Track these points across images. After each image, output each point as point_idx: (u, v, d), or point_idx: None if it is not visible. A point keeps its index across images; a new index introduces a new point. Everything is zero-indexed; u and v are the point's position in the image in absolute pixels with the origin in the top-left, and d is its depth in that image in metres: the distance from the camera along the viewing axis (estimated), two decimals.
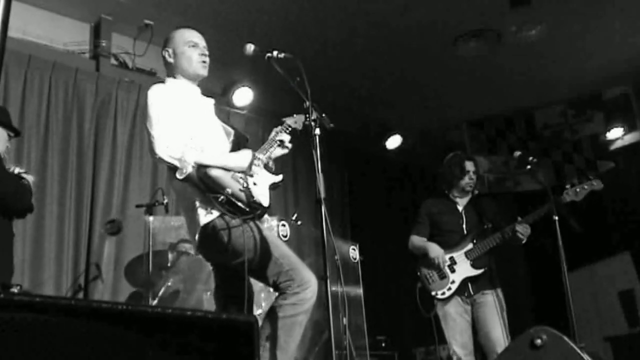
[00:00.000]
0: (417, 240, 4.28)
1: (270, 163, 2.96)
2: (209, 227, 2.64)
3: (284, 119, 3.08)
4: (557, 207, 3.76)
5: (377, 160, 7.45)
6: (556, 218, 3.71)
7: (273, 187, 2.86)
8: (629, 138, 7.03)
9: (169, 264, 4.34)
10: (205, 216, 2.65)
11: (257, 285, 2.89)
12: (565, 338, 3.12)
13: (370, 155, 7.39)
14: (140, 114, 5.32)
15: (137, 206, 4.33)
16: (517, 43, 5.70)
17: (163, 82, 2.89)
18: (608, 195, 6.43)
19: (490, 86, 6.62)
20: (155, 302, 4.11)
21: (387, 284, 6.87)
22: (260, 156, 2.80)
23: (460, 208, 4.27)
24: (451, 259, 4.10)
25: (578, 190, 3.91)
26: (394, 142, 7.10)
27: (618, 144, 7.10)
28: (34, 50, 4.87)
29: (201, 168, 2.58)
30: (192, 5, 5.12)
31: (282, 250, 2.69)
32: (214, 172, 2.59)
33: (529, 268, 8.25)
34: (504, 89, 6.70)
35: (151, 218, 4.14)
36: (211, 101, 2.97)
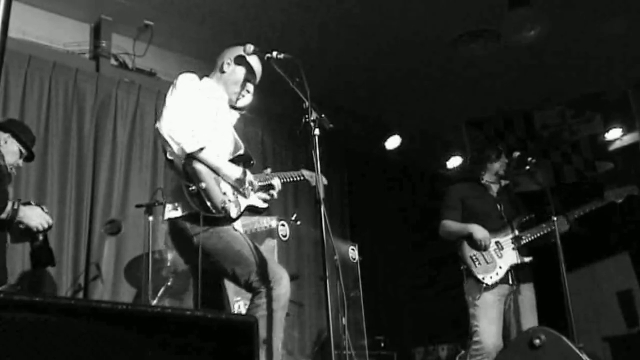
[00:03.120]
0: (452, 224, 4.02)
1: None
2: (175, 224, 2.66)
3: (302, 169, 3.09)
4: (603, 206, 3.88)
5: (377, 161, 7.44)
6: (555, 219, 3.73)
7: (252, 208, 2.81)
8: (628, 139, 7.02)
9: (169, 264, 4.34)
10: (170, 211, 2.67)
11: None
12: (564, 338, 3.14)
13: (370, 156, 7.39)
14: (140, 114, 5.33)
15: (137, 206, 4.34)
16: (516, 43, 5.70)
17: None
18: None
19: (489, 86, 6.61)
20: (155, 302, 4.12)
21: (386, 284, 6.88)
22: (254, 182, 2.80)
23: (493, 194, 4.13)
24: (497, 243, 3.92)
25: (618, 192, 3.99)
26: (393, 142, 7.10)
27: (617, 145, 7.09)
28: (34, 50, 4.87)
29: (190, 158, 2.58)
30: (192, 5, 5.12)
31: (250, 249, 2.67)
32: (198, 166, 2.60)
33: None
34: (503, 89, 6.69)
35: (151, 218, 4.14)
36: (236, 114, 3.02)
